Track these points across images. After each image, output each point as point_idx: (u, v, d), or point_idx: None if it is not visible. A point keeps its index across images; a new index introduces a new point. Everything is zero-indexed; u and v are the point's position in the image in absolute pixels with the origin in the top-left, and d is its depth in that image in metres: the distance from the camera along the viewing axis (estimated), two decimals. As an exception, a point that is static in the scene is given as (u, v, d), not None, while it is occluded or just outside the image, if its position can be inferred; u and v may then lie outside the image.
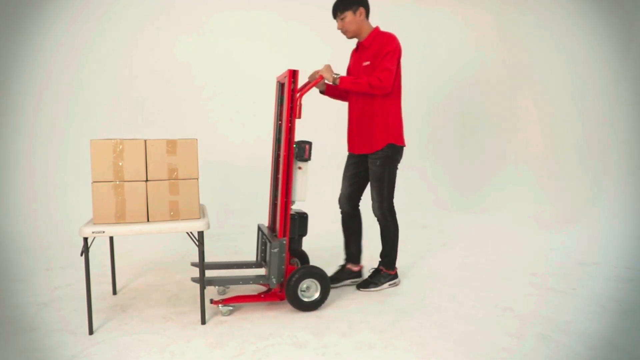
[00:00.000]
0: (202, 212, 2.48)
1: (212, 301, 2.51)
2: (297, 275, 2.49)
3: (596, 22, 4.71)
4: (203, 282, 2.39)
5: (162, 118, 4.86)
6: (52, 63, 4.51)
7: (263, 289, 2.82)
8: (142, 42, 4.81)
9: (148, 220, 2.30)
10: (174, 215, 2.33)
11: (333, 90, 2.91)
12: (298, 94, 2.47)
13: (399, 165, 2.84)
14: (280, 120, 2.67)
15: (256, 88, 5.07)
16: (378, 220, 2.89)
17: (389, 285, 2.94)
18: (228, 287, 2.86)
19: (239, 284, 2.55)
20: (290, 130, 2.45)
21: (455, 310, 2.60)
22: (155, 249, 3.76)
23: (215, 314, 2.52)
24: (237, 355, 2.08)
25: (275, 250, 2.47)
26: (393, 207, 2.86)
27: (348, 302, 2.73)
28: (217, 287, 2.80)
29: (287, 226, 2.52)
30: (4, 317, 2.48)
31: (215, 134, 4.94)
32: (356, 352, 2.13)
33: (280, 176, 2.53)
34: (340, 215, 3.04)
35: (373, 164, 2.75)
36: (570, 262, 3.51)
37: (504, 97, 5.73)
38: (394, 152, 2.74)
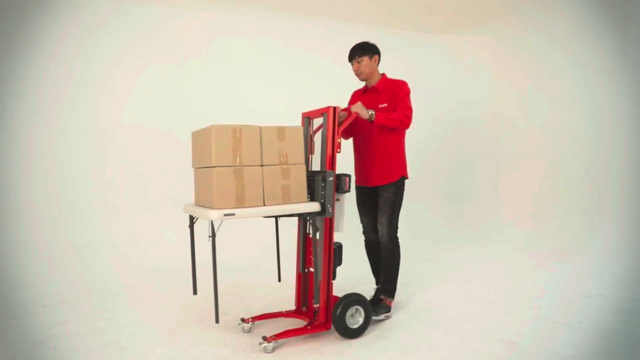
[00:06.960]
0: None
1: (264, 338, 2.45)
2: (342, 304, 2.58)
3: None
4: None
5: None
6: (54, 60, 4.40)
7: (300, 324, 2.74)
8: (145, 43, 4.79)
9: (264, 204, 2.36)
10: (286, 198, 2.42)
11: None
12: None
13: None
14: (311, 153, 2.84)
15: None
16: (385, 246, 2.96)
17: (385, 317, 2.93)
18: (253, 324, 2.77)
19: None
20: (333, 163, 2.58)
21: (459, 345, 2.55)
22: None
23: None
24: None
25: (331, 178, 2.51)
26: (397, 234, 2.99)
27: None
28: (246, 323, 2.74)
29: (331, 257, 2.62)
30: (-1, 356, 2.43)
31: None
32: (359, 390, 2.08)
33: None
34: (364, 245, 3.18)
35: (387, 191, 2.92)
36: (575, 294, 3.46)
37: (502, 131, 5.79)
38: (402, 182, 2.98)
